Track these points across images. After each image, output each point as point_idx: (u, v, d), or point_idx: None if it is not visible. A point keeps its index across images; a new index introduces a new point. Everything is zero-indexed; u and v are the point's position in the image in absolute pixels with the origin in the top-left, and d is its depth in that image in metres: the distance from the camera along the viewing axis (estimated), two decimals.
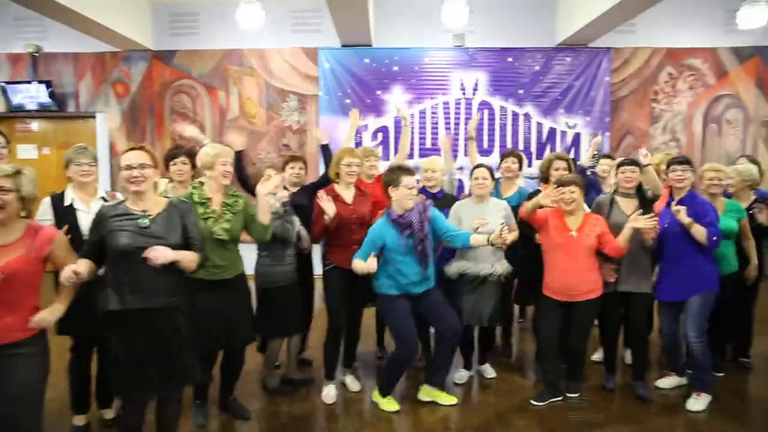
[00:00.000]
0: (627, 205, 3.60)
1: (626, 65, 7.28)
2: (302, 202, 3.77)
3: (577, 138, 7.19)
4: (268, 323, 3.53)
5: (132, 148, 2.53)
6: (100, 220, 2.48)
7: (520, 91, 7.13)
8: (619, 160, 3.85)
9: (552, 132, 7.17)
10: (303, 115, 7.30)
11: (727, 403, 3.55)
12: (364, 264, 3.24)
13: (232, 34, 7.06)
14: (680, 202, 3.42)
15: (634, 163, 3.63)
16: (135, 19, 6.76)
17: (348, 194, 3.63)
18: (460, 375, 3.93)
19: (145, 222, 2.45)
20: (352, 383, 3.85)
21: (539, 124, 7.16)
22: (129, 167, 2.46)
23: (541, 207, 3.53)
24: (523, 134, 7.16)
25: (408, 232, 3.30)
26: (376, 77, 7.15)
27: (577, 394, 3.65)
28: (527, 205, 3.56)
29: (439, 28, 7.00)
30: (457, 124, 7.18)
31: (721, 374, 3.91)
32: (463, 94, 7.16)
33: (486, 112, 7.16)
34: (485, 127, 7.17)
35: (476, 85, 7.14)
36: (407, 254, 3.32)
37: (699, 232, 3.30)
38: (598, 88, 7.16)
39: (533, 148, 7.16)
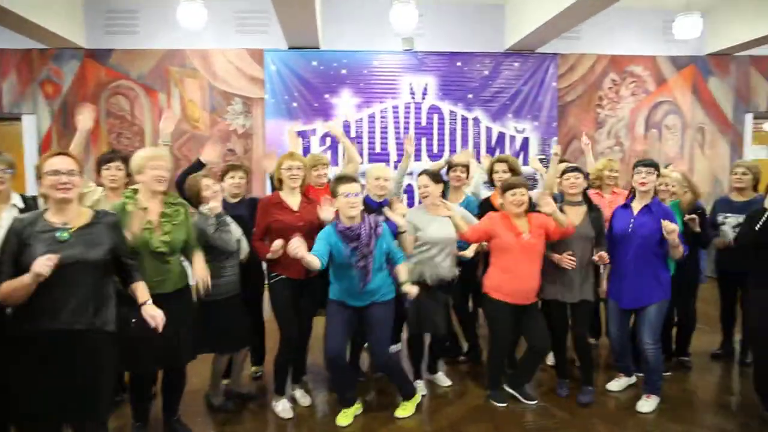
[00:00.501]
0: (574, 214, 3.59)
1: (572, 71, 7.42)
2: (241, 213, 3.58)
3: (525, 143, 7.26)
4: (209, 339, 3.31)
5: (57, 153, 2.31)
6: (13, 233, 2.23)
7: (470, 96, 7.14)
8: (562, 166, 3.85)
9: (501, 136, 7.21)
10: (248, 119, 7.07)
11: (673, 402, 3.60)
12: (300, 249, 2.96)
13: (172, 34, 6.76)
14: (646, 207, 3.42)
15: (577, 169, 3.63)
16: (66, 16, 6.36)
17: (293, 201, 3.46)
18: (420, 387, 3.80)
19: (65, 235, 2.22)
20: (302, 398, 3.69)
21: (488, 129, 7.19)
22: (57, 172, 2.24)
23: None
24: (472, 139, 7.17)
25: (354, 245, 3.17)
26: (324, 80, 7.00)
27: (534, 402, 3.61)
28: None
29: (388, 31, 6.92)
30: (406, 128, 7.11)
31: (668, 373, 3.95)
32: (413, 98, 7.11)
33: (435, 116, 7.14)
34: (434, 131, 7.14)
35: (425, 89, 7.10)
36: (348, 267, 3.20)
37: (679, 252, 3.32)
38: (545, 94, 7.26)
39: (483, 152, 7.16)
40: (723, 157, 7.72)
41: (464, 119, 7.15)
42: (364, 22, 7.06)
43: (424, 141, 7.13)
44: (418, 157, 7.06)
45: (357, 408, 3.46)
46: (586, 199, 3.65)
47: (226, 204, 3.59)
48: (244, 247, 3.48)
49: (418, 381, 3.81)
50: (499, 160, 4.10)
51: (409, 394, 3.47)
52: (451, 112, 7.14)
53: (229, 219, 3.36)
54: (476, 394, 3.80)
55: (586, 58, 7.43)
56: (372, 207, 3.83)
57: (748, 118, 7.78)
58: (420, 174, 3.74)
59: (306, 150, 7.01)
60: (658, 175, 3.49)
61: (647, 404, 3.48)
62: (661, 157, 7.60)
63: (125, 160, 3.37)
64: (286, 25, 6.07)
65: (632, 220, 3.44)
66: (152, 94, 6.92)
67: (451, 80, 7.11)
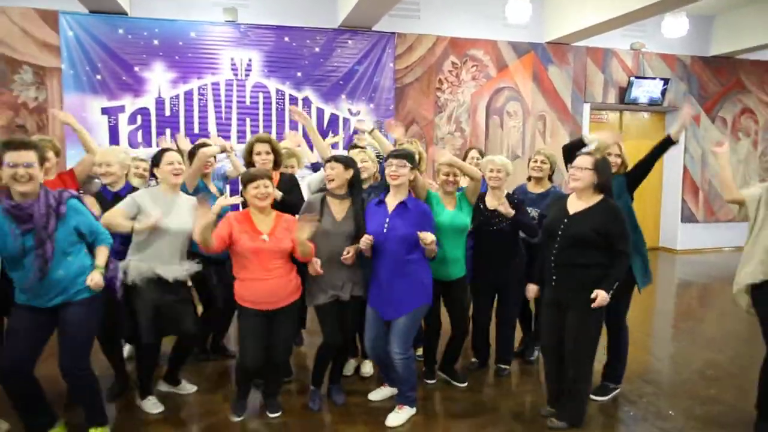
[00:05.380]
0: (338, 209, 3.17)
1: (411, 52, 7.08)
2: None
3: None
4: None
5: None
6: None
7: (299, 74, 6.62)
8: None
9: (334, 118, 6.76)
10: (41, 92, 6.12)
11: (431, 414, 3.28)
12: None
13: None
14: (401, 205, 3.05)
15: (336, 159, 3.20)
16: None
17: None
18: (152, 403, 3.24)
19: None
20: None
21: (320, 110, 6.72)
22: None
23: None
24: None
25: (26, 228, 2.52)
26: (133, 51, 6.20)
27: (278, 414, 3.18)
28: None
29: (207, 0, 6.28)
30: (228, 107, 6.49)
31: (464, 384, 3.62)
32: (235, 74, 6.48)
33: (261, 95, 6.56)
34: (260, 111, 6.57)
35: (249, 65, 6.49)
36: (22, 256, 2.54)
37: (434, 252, 2.99)
38: (382, 74, 6.89)
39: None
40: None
41: (293, 99, 6.62)
42: None
43: (248, 121, 6.55)
44: (242, 139, 6.47)
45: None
46: (353, 191, 3.24)
47: None
48: None
49: (150, 397, 3.25)
50: (259, 140, 3.55)
51: (100, 421, 2.88)
52: (278, 90, 6.59)
53: None
54: (219, 407, 3.31)
55: (426, 38, 7.11)
56: (107, 200, 3.25)
57: (586, 108, 7.84)
58: (165, 151, 3.19)
59: (113, 129, 6.26)
60: (413, 168, 3.13)
61: (397, 417, 3.11)
62: (503, 145, 7.51)
63: None
64: None
65: (387, 220, 3.06)
66: None
67: (278, 56, 6.55)
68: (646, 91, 7.95)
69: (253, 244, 2.94)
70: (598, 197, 2.96)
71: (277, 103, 6.58)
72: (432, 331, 3.59)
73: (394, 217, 3.04)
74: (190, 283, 3.25)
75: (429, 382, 3.64)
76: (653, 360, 4.12)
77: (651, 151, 3.38)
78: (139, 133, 6.29)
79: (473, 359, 3.93)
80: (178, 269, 3.09)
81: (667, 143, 3.33)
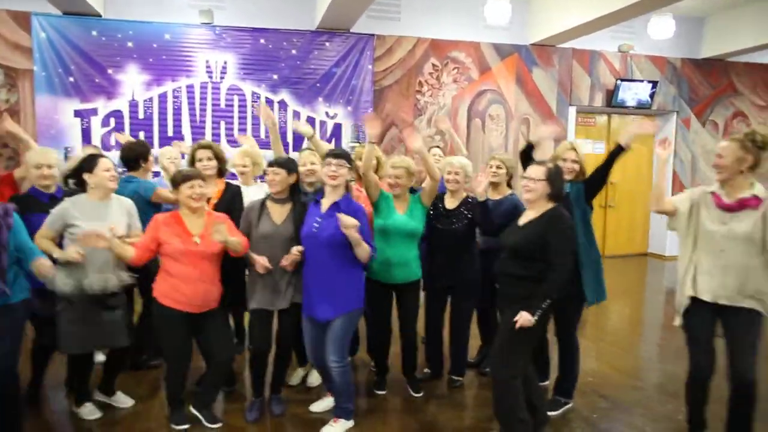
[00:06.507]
0: (278, 213, 3.10)
1: (390, 54, 6.98)
2: None
3: (337, 129, 6.77)
4: None
5: None
6: None
7: (275, 77, 6.55)
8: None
9: (311, 121, 6.67)
10: (13, 94, 6.10)
11: (371, 427, 3.17)
12: None
13: None
14: (335, 205, 2.96)
15: (279, 163, 3.12)
16: None
17: None
18: (88, 410, 3.18)
19: None
20: None
21: (296, 113, 6.64)
22: None
23: None
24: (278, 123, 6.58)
25: None
26: (106, 54, 6.17)
27: (218, 425, 3.09)
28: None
29: (183, 1, 6.23)
30: (203, 110, 6.43)
31: (418, 395, 3.53)
32: (210, 77, 6.42)
33: (236, 98, 6.49)
34: (235, 114, 6.50)
35: (225, 67, 6.43)
36: None
37: (365, 251, 2.88)
38: (360, 76, 6.80)
39: (290, 138, 6.62)
40: (547, 149, 7.56)
41: (269, 102, 6.54)
42: None
43: (223, 124, 6.48)
44: (216, 142, 6.39)
45: None
46: (293, 195, 3.16)
47: None
48: None
49: (87, 404, 3.18)
50: (202, 147, 3.48)
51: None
52: (254, 93, 6.52)
53: None
54: (155, 416, 3.22)
55: (406, 40, 7.00)
56: (41, 202, 3.16)
57: (572, 111, 7.69)
58: (97, 157, 3.09)
59: (86, 132, 6.22)
60: (350, 168, 3.04)
61: (331, 431, 3.03)
62: (485, 148, 7.38)
63: None
64: None
65: (319, 220, 2.97)
66: None
67: (254, 59, 6.49)
68: (634, 93, 7.78)
69: (184, 246, 2.87)
70: (549, 206, 2.84)
71: (252, 106, 6.51)
72: (382, 338, 3.50)
73: (326, 218, 2.94)
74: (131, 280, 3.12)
75: (379, 393, 3.55)
76: (614, 373, 3.96)
77: (605, 159, 3.25)
78: (113, 136, 6.24)
79: (426, 369, 3.82)
80: (112, 279, 3.00)
81: (618, 151, 3.19)
